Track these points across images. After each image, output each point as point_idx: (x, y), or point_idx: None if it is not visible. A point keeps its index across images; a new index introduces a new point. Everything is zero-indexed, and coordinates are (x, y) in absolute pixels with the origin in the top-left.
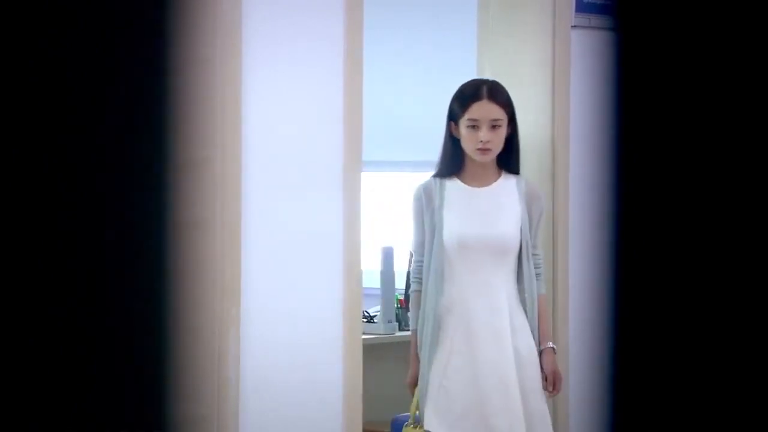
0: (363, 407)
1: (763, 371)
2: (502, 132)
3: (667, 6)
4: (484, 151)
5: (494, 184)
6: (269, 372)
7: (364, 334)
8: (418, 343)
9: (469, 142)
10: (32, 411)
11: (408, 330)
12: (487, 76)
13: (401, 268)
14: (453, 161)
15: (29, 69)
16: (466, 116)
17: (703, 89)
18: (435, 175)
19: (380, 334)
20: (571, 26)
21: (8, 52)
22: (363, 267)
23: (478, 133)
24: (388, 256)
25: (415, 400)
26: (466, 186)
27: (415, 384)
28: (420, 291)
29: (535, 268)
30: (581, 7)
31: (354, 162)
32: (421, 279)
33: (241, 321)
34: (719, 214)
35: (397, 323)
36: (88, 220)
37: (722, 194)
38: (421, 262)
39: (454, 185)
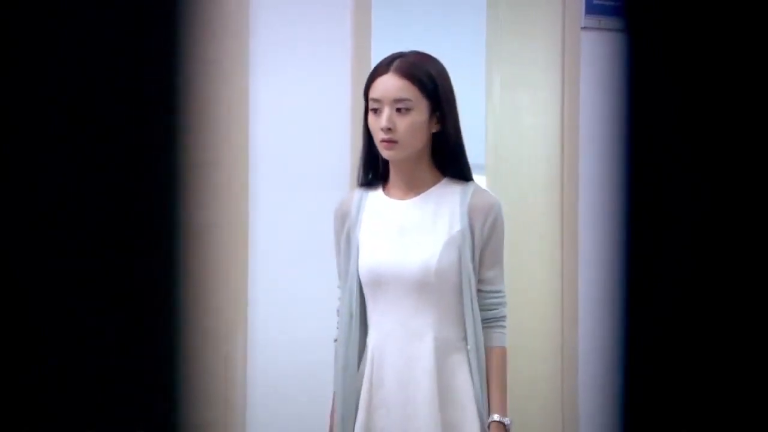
0: None
1: None
2: (415, 118)
3: (676, 7)
4: (386, 143)
5: (422, 195)
6: (277, 375)
7: None
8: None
9: (373, 132)
10: (40, 413)
11: None
12: (497, 78)
13: None
14: (370, 164)
15: (33, 71)
16: (370, 95)
17: (712, 90)
18: (360, 185)
19: None
20: (581, 28)
21: (11, 53)
22: None
23: (380, 118)
24: None
25: None
26: (386, 198)
27: None
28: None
29: (489, 310)
30: (591, 9)
31: None
32: None
33: (248, 324)
34: (729, 214)
35: None
36: (96, 224)
37: (732, 194)
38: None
39: (375, 198)
